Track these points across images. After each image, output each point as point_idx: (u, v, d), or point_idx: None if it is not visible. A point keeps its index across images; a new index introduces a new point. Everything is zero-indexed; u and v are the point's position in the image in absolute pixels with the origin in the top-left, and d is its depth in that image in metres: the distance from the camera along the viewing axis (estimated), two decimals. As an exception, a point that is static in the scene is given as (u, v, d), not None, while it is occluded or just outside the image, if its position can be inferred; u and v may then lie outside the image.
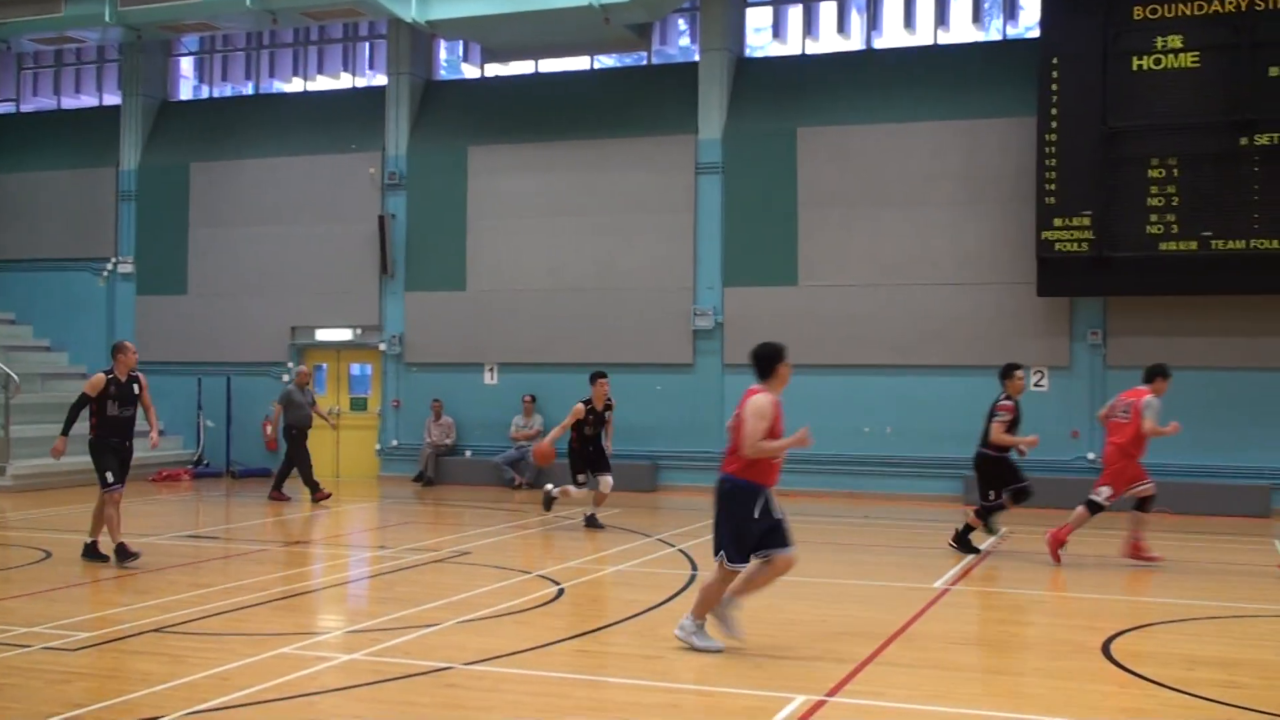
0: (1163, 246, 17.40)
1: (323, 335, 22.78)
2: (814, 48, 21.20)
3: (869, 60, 20.62)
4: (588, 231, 21.13)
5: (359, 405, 22.73)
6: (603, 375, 15.25)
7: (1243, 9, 17.28)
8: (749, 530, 8.19)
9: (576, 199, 21.24)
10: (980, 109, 19.20)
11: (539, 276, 21.31)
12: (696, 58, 21.27)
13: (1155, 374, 12.84)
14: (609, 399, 15.15)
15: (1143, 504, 12.70)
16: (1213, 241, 17.15)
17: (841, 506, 18.14)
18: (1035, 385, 18.39)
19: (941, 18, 20.43)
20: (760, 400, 8.29)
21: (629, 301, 20.75)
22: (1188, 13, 17.51)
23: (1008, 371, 13.33)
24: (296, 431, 18.35)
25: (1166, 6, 17.60)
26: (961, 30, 20.41)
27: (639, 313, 20.67)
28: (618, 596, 10.33)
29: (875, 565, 12.80)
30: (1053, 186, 17.92)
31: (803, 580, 11.82)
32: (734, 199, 20.41)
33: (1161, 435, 12.66)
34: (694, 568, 12.02)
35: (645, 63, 22.16)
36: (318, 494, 18.03)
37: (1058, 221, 17.86)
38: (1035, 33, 19.12)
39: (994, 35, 20.33)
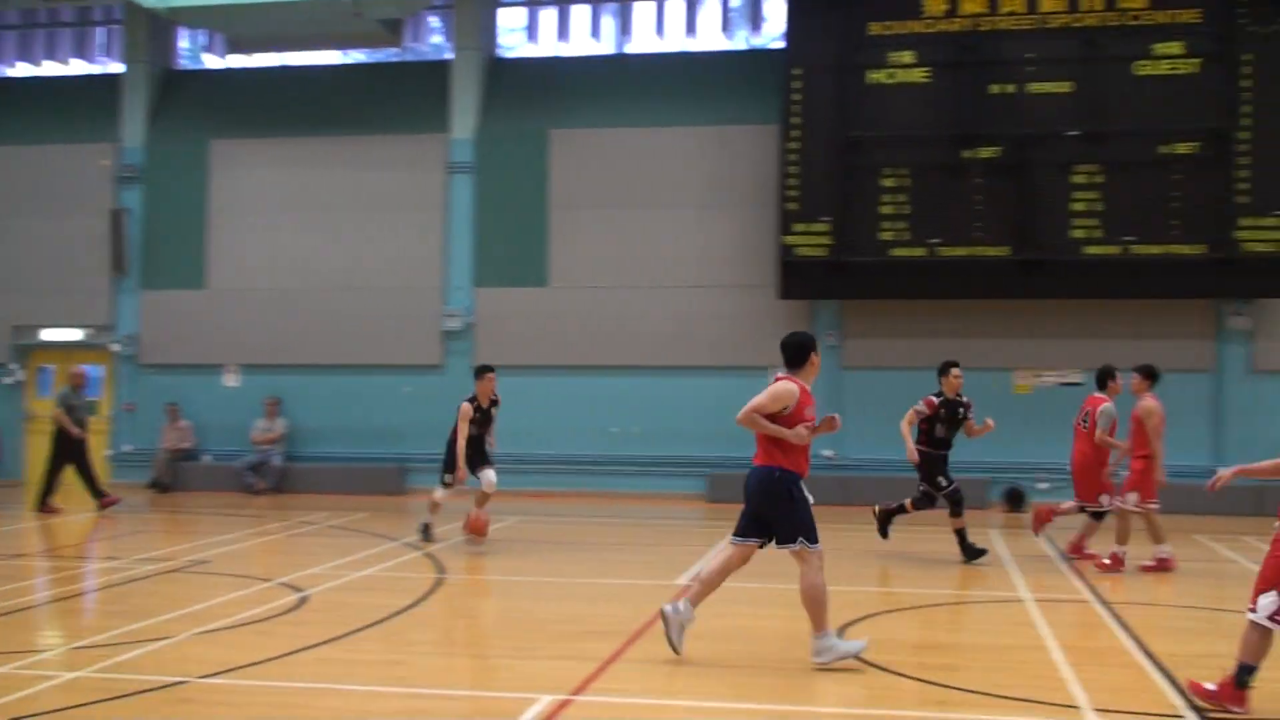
0: (895, 252, 18.26)
1: (49, 335, 21.55)
2: (567, 50, 21.36)
3: (621, 65, 20.93)
4: (336, 230, 20.69)
5: (89, 409, 21.56)
6: (489, 369, 13.85)
7: (967, 30, 18.29)
8: (804, 510, 8.10)
9: (324, 196, 20.77)
10: (727, 115, 19.72)
11: (284, 275, 20.75)
12: (449, 56, 21.12)
13: (1105, 376, 12.89)
14: (495, 395, 13.78)
15: (1099, 514, 12.79)
16: (939, 249, 18.10)
17: (590, 506, 18.31)
18: (776, 386, 19.02)
19: (690, 26, 20.90)
20: (783, 385, 8.20)
21: (377, 301, 20.42)
22: (919, 30, 18.42)
23: (944, 369, 12.89)
24: (74, 434, 17.20)
25: (900, 24, 18.47)
26: (710, 39, 20.93)
27: (388, 313, 20.38)
28: (362, 602, 10.14)
29: (622, 563, 12.96)
30: (794, 193, 18.55)
31: (549, 580, 11.89)
32: (486, 199, 20.36)
33: (1112, 447, 12.56)
34: (441, 571, 11.93)
35: (397, 59, 21.87)
36: (47, 506, 16.96)
37: (799, 227, 18.50)
38: (779, 44, 19.76)
39: (741, 45, 20.92)
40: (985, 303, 18.49)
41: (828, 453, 18.83)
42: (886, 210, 18.33)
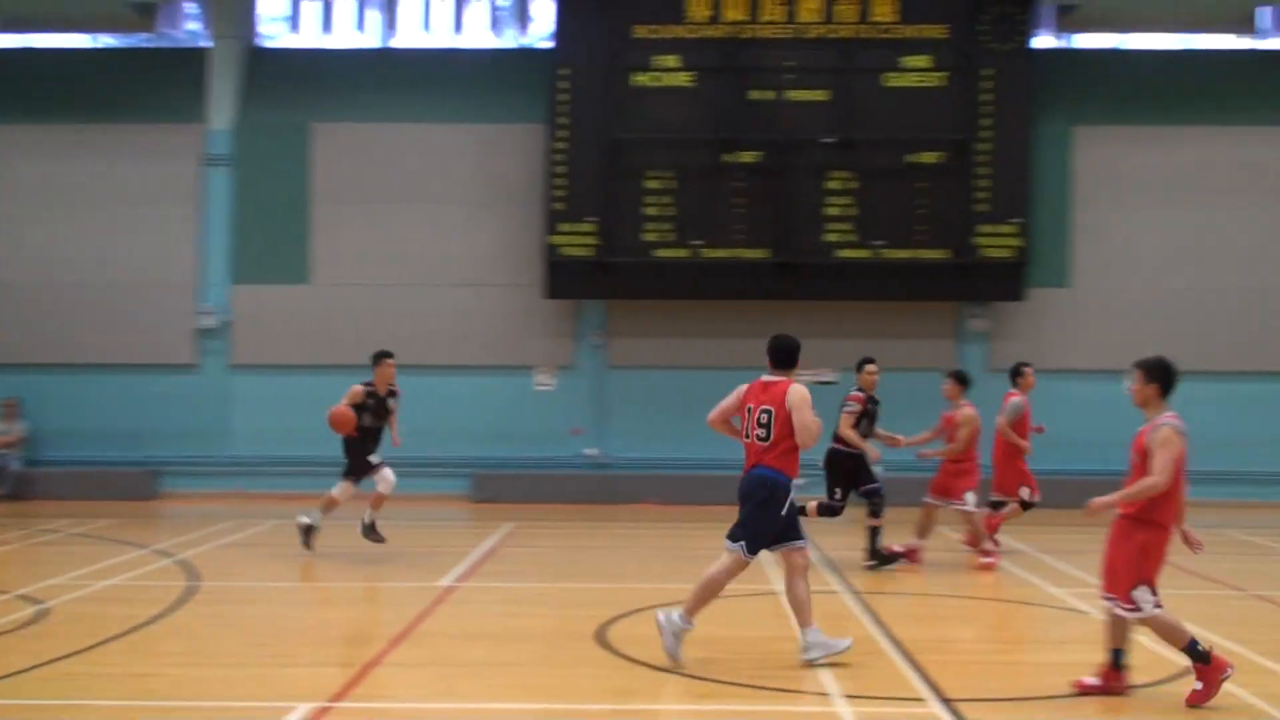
0: (659, 253, 18.55)
1: None
2: (330, 42, 20.90)
3: (387, 59, 20.59)
4: (83, 222, 19.66)
5: None
6: (388, 355, 12.93)
7: (730, 36, 18.71)
8: (775, 524, 8.24)
9: (71, 186, 19.69)
10: (495, 114, 19.65)
11: (25, 269, 19.60)
12: (206, 43, 20.36)
13: (1013, 374, 13.17)
14: (394, 384, 12.93)
15: (1025, 505, 13.15)
16: (702, 250, 18.49)
17: (351, 509, 17.92)
18: (540, 385, 19.11)
19: (458, 23, 20.75)
20: (804, 390, 8.30)
21: (127, 297, 19.53)
22: (683, 35, 18.74)
23: (859, 365, 12.60)
24: None
25: (664, 28, 18.76)
26: (477, 36, 20.80)
27: (138, 309, 19.51)
28: (108, 613, 9.69)
29: (381, 567, 12.76)
30: (561, 193, 18.63)
31: (306, 585, 11.65)
32: (244, 193, 19.72)
33: (1011, 439, 12.88)
34: (193, 578, 11.52)
35: (151, 45, 20.95)
36: None
37: (565, 227, 18.59)
38: (547, 43, 19.78)
39: (509, 43, 20.87)
40: (745, 303, 18.94)
41: (591, 450, 19.02)
42: (651, 211, 18.61)
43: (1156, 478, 7.15)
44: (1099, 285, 19.19)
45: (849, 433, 12.19)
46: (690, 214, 18.55)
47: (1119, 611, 7.36)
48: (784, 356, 8.49)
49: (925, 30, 18.65)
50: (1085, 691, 7.44)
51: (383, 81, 20.09)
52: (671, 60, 18.74)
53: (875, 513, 12.38)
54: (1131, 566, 7.29)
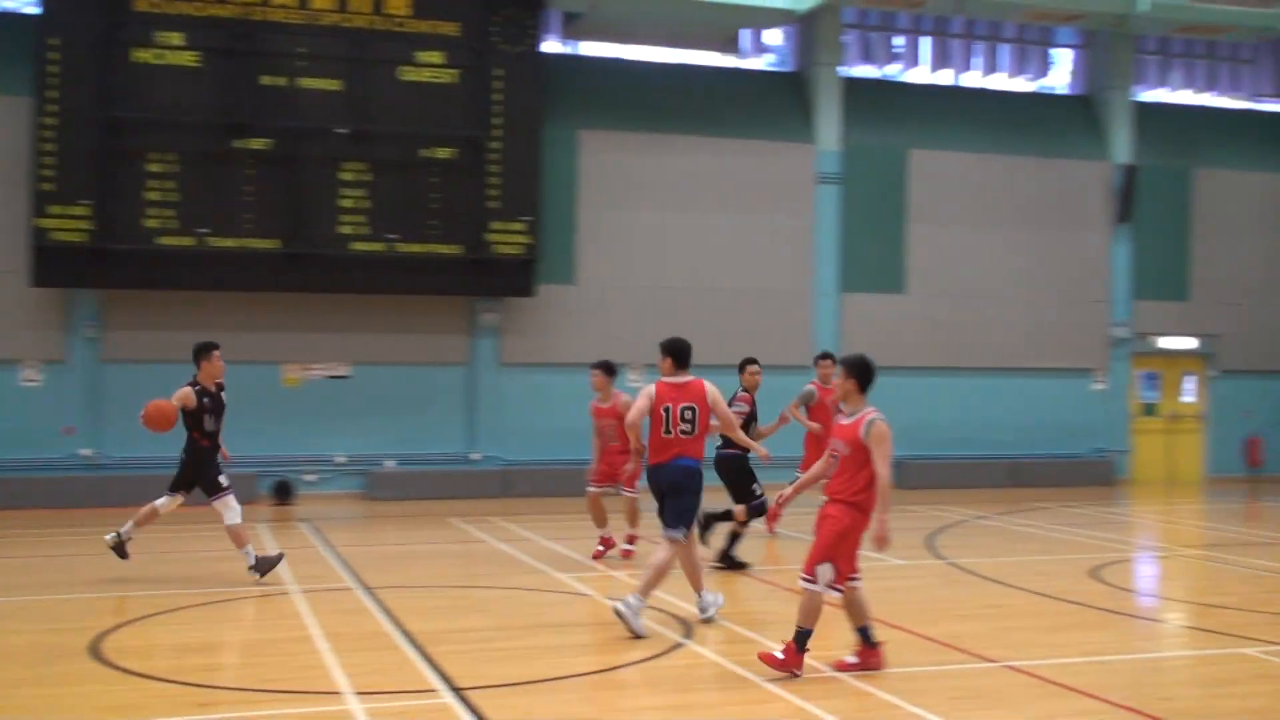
0: (161, 241, 17.60)
1: None
2: None
3: None
4: None
5: None
6: (214, 346, 11.14)
7: (239, 17, 18.04)
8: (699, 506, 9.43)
9: None
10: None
11: None
12: None
13: (741, 366, 12.75)
14: (221, 380, 11.18)
15: None
16: (209, 239, 17.74)
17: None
18: (27, 380, 17.64)
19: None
20: (714, 385, 9.39)
21: None
22: (189, 12, 17.84)
23: (741, 366, 12.42)
24: None
25: (168, 3, 17.79)
26: (-53, -5, 18.84)
27: None
28: None
29: None
30: (49, 172, 17.23)
31: None
32: None
33: (800, 419, 13.68)
34: None
35: None
36: None
37: (54, 209, 17.21)
38: (34, 9, 18.23)
39: (-10, 7, 19.06)
40: (255, 295, 18.37)
41: (85, 451, 17.78)
42: (153, 196, 17.61)
43: (884, 471, 7.68)
44: (601, 283, 20.16)
45: (740, 434, 11.64)
46: (196, 201, 17.72)
47: (800, 583, 7.79)
48: (686, 356, 9.41)
49: (439, 27, 18.82)
50: (843, 669, 7.80)
51: None
52: (176, 38, 17.81)
53: (756, 515, 12.31)
54: (828, 545, 7.73)
